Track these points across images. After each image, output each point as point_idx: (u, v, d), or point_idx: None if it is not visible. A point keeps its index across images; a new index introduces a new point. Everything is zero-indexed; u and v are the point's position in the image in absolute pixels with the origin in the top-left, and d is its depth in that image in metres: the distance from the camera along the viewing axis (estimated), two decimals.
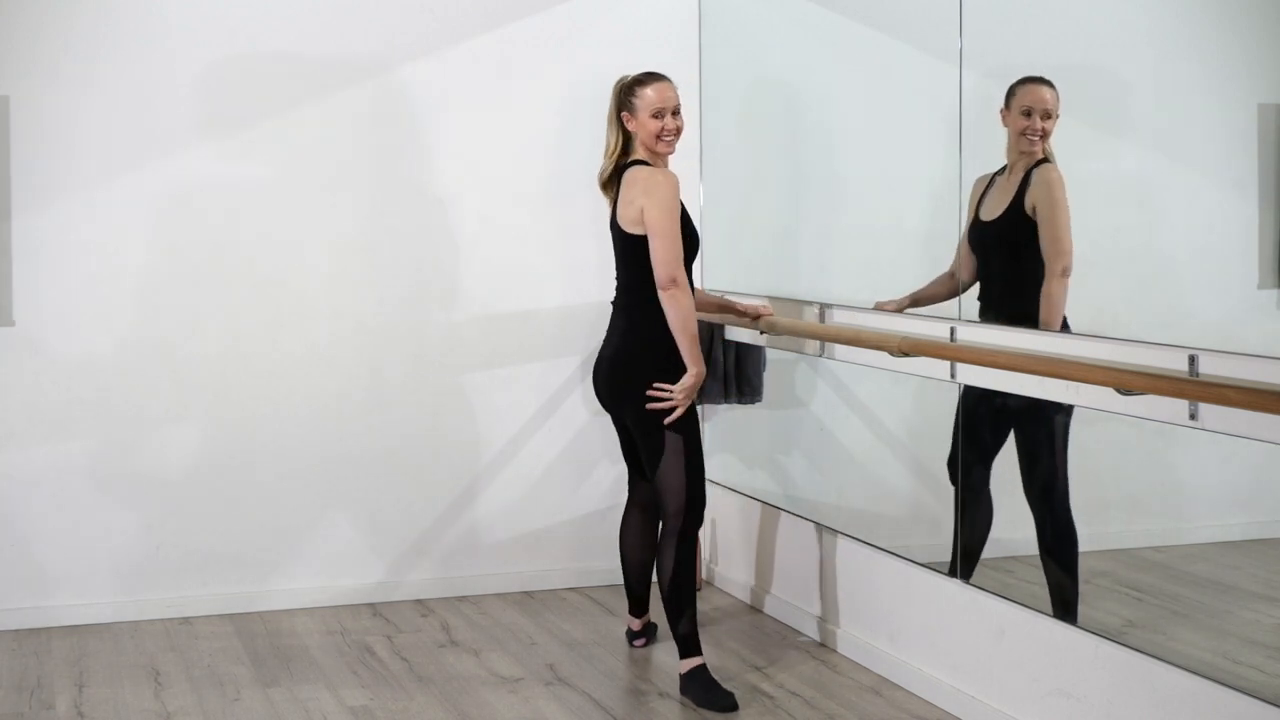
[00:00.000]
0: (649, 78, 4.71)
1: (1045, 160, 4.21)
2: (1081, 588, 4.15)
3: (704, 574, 5.89)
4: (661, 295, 4.57)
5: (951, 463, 4.56)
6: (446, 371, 5.70)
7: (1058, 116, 4.19)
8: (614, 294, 4.81)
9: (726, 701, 4.49)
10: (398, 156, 5.61)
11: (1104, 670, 3.86)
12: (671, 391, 4.60)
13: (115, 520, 5.38)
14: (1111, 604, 4.12)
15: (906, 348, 4.37)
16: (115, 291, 5.34)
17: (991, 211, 4.36)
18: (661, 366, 4.62)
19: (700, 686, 4.55)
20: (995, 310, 4.36)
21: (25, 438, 5.29)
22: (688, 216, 4.67)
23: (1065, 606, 4.12)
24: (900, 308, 4.73)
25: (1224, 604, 3.97)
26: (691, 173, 5.73)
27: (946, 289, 4.56)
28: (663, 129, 4.66)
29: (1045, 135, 4.27)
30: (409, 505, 5.70)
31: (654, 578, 4.95)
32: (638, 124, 4.68)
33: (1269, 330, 3.75)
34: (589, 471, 5.89)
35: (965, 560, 4.46)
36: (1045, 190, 4.20)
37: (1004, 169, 4.33)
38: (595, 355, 4.83)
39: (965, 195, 4.44)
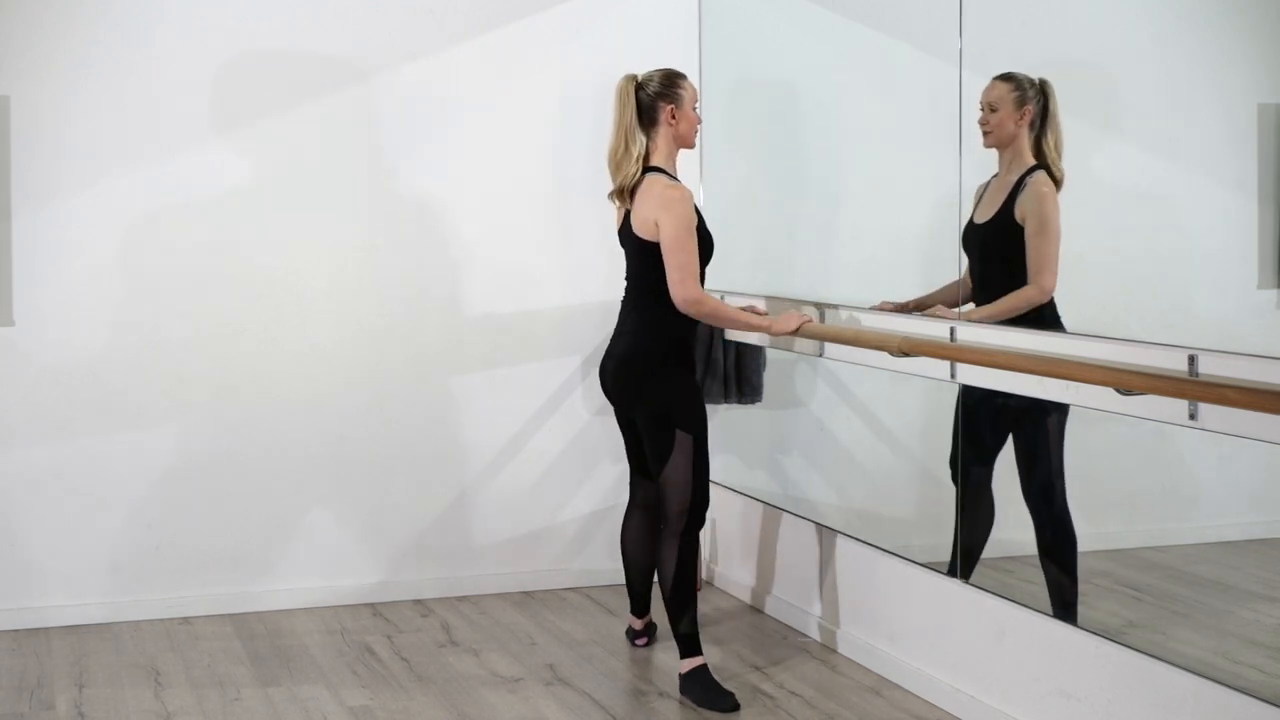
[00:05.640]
0: (676, 72, 4.67)
1: (1038, 167, 4.19)
2: (1081, 588, 4.15)
3: (705, 574, 5.89)
4: (684, 312, 4.54)
5: (953, 462, 4.56)
6: (447, 371, 5.70)
7: (1013, 111, 4.19)
8: (624, 292, 4.76)
9: (727, 702, 4.48)
10: (398, 157, 5.60)
11: (1104, 670, 3.86)
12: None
13: (115, 520, 5.38)
14: (1111, 604, 4.12)
15: (907, 348, 4.37)
16: (115, 291, 5.34)
17: (984, 214, 4.35)
18: (672, 364, 4.61)
19: (701, 686, 4.54)
20: None
21: (25, 437, 5.29)
22: (703, 221, 4.63)
23: (1065, 606, 4.12)
24: (903, 309, 4.71)
25: (1224, 604, 3.97)
26: (691, 173, 5.73)
27: (954, 294, 4.53)
28: (700, 120, 4.69)
29: (992, 129, 4.27)
30: (409, 505, 5.70)
31: (655, 578, 4.95)
32: (682, 116, 4.60)
33: (1269, 330, 3.75)
34: (589, 471, 5.88)
35: (965, 560, 4.46)
36: (1036, 205, 4.18)
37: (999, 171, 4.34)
38: (596, 354, 4.82)
39: (965, 196, 4.44)
